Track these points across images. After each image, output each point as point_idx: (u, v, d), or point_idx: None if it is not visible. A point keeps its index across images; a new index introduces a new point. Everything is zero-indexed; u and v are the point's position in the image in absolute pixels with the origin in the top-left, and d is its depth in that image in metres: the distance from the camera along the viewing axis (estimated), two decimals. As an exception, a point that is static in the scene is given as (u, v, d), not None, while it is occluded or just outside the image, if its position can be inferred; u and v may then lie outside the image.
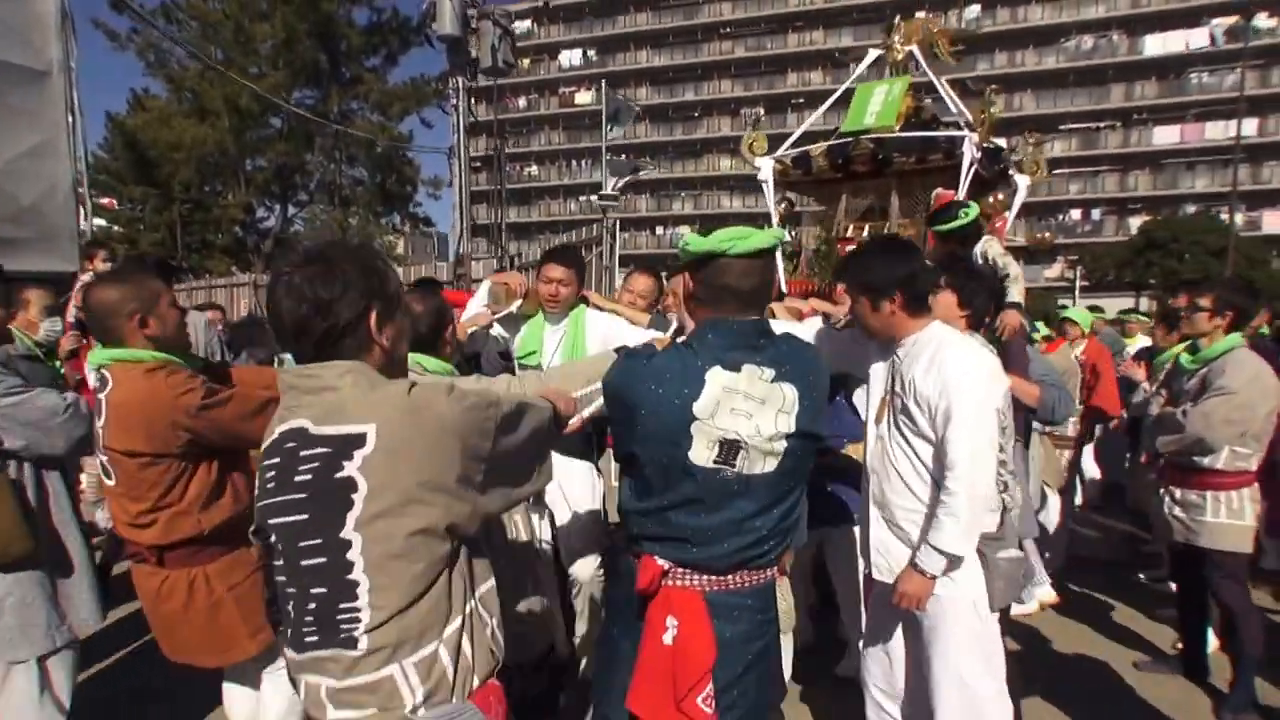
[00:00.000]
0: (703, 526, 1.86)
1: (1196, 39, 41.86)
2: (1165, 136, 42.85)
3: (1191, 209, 39.36)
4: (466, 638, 1.46)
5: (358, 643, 1.37)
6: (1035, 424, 4.25)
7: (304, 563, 1.39)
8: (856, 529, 3.00)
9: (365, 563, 1.35)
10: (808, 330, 2.79)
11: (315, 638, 1.40)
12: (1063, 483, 5.59)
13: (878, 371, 2.62)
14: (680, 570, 1.89)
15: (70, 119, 6.79)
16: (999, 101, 5.73)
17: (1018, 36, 45.42)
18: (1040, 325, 6.20)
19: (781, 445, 1.85)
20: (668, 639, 1.86)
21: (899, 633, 2.70)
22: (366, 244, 2.43)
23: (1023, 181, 6.07)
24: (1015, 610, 4.29)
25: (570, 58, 54.15)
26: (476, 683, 1.49)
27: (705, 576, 1.88)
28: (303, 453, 1.40)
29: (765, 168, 6.31)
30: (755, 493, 1.86)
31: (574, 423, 1.96)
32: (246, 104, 25.60)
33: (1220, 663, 3.95)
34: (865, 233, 5.85)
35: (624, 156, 46.54)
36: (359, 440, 1.36)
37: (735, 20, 50.59)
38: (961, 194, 5.28)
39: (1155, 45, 42.63)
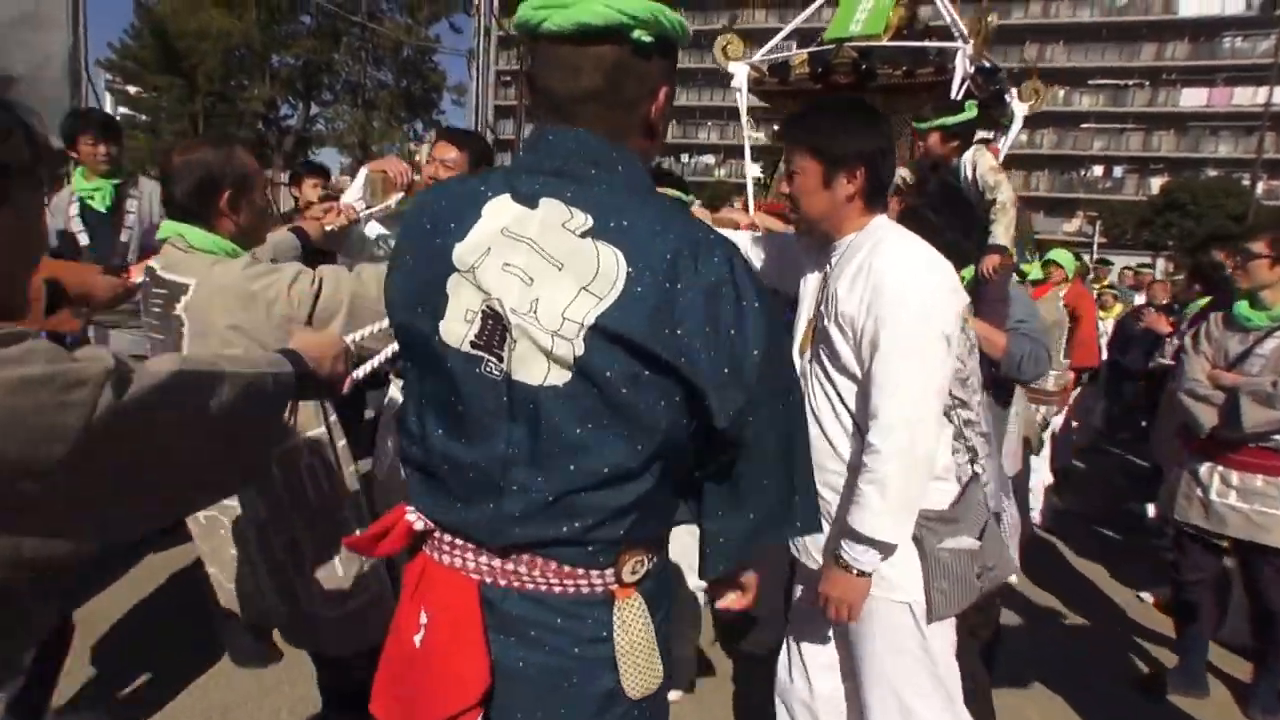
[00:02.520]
0: (460, 461, 1.14)
1: (1232, 3, 41.16)
2: (1193, 99, 42.40)
3: (1213, 173, 39.23)
4: None
5: None
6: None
7: None
8: None
9: None
10: (738, 240, 2.24)
11: None
12: (1037, 440, 5.04)
13: (808, 286, 2.02)
14: (443, 538, 1.19)
15: None
16: (993, 16, 5.26)
17: (1054, -13, 44.64)
18: (1035, 266, 5.50)
19: (572, 344, 1.05)
20: (417, 640, 1.20)
21: (826, 635, 2.11)
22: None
23: (1020, 109, 5.45)
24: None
25: None
26: None
27: (481, 556, 1.15)
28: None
29: (739, 74, 5.66)
30: (537, 418, 1.08)
31: (346, 386, 1.49)
32: None
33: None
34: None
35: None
36: None
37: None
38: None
39: (1190, 6, 41.91)
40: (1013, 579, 3.64)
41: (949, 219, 2.48)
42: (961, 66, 4.89)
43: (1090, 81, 43.79)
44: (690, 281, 1.04)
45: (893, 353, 1.72)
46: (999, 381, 3.04)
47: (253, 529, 1.96)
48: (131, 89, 28.11)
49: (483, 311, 1.10)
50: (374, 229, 2.75)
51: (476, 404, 1.11)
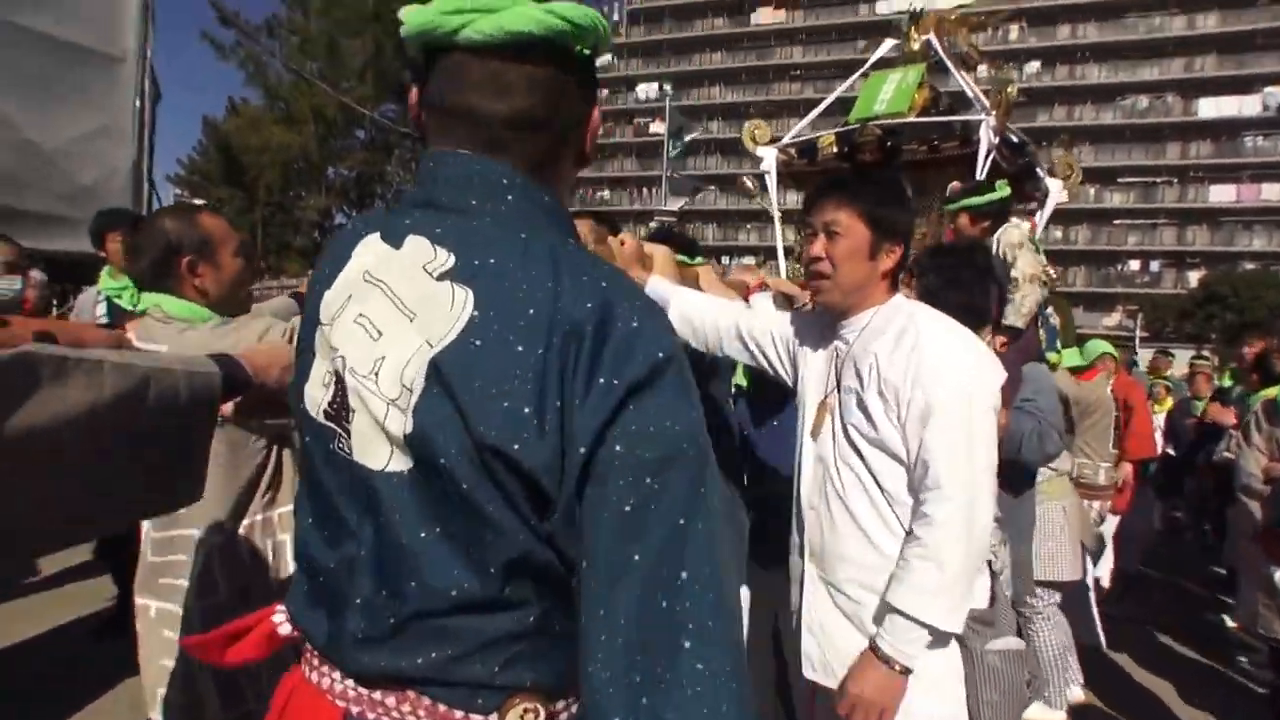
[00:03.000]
0: (316, 559, 0.93)
1: (1249, 105, 42.51)
2: (1221, 194, 43.35)
3: (1249, 266, 39.35)
4: None
5: None
6: (1047, 466, 3.30)
7: None
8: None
9: None
10: (755, 306, 2.13)
11: None
12: (1091, 539, 4.47)
13: (812, 366, 1.89)
14: (312, 654, 0.94)
15: (139, 104, 6.56)
16: (1015, 79, 5.47)
17: (1077, 92, 46.46)
18: (1075, 353, 4.93)
19: (406, 416, 0.81)
20: None
21: None
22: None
23: (1055, 186, 5.45)
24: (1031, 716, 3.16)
25: (647, 91, 56.58)
26: None
27: (349, 679, 0.88)
28: None
29: (768, 157, 5.77)
30: (379, 514, 0.85)
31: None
32: (333, 114, 27.22)
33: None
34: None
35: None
36: None
37: (805, 64, 52.68)
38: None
39: (1209, 108, 43.33)
40: (1079, 695, 3.41)
41: (944, 282, 2.35)
42: (986, 138, 4.88)
43: (1119, 180, 44.88)
44: (550, 340, 0.77)
45: (948, 423, 1.58)
46: (1012, 466, 2.74)
47: (208, 612, 1.75)
48: (197, 201, 29.63)
49: (335, 373, 0.89)
50: None
51: (333, 488, 0.90)
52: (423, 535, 0.81)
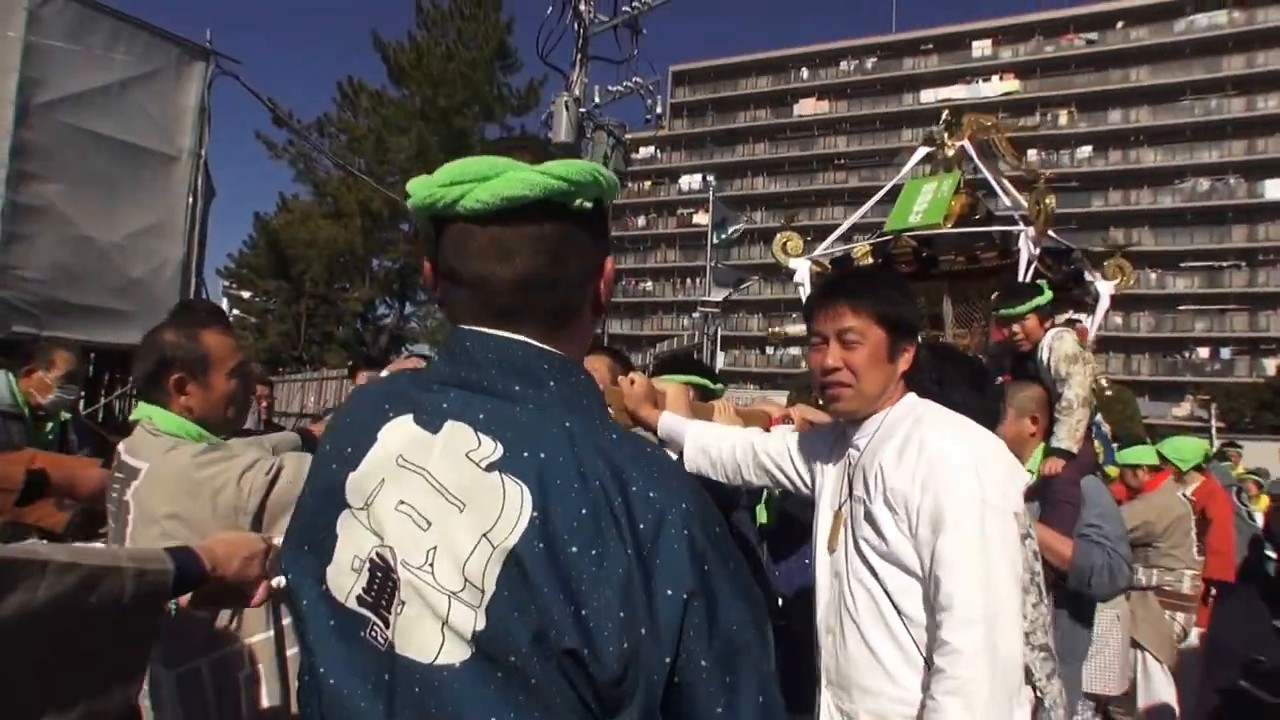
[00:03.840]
0: None
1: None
2: (1294, 278, 41.14)
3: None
4: None
5: None
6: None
7: None
8: None
9: None
10: (776, 435, 2.04)
11: None
12: (1174, 656, 4.17)
13: (826, 477, 1.81)
14: None
15: (191, 201, 6.85)
16: (1051, 197, 5.16)
17: (1133, 176, 45.22)
18: (1148, 451, 4.70)
19: (475, 613, 0.78)
20: None
21: None
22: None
23: (1105, 288, 5.35)
24: None
25: (690, 182, 56.84)
26: None
27: None
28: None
29: (801, 269, 5.67)
30: (424, 707, 0.79)
31: (260, 595, 1.31)
32: (378, 208, 27.74)
33: None
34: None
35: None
36: None
37: (849, 152, 52.56)
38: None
39: (1275, 189, 41.57)
40: None
41: (947, 376, 2.11)
42: (1026, 249, 4.80)
43: (1183, 264, 43.22)
44: (609, 547, 0.77)
45: (960, 530, 1.46)
46: (1078, 595, 2.70)
47: None
48: (245, 294, 30.27)
49: (371, 560, 0.86)
50: None
51: (357, 680, 0.84)
52: None
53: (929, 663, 1.48)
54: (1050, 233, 5.20)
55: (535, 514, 0.78)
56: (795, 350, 48.96)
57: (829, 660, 1.68)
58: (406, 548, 0.83)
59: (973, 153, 5.70)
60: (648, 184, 57.65)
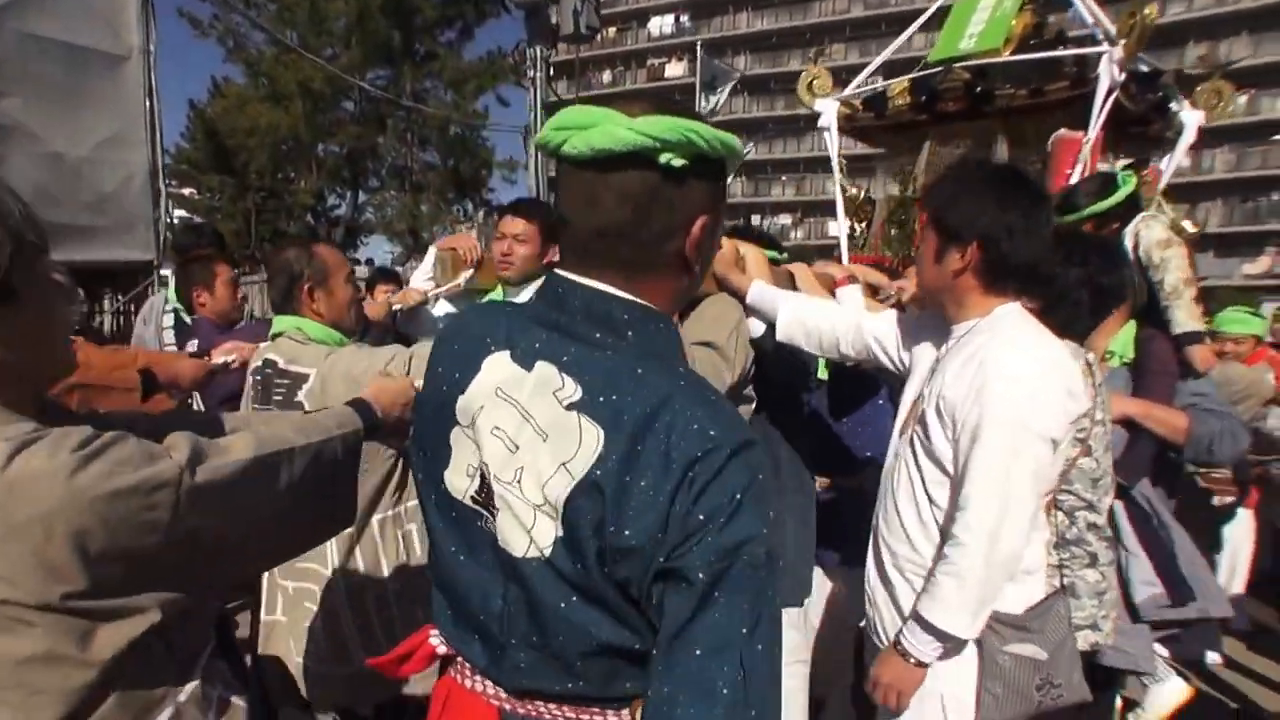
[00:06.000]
0: (468, 604, 1.09)
1: None
2: None
3: None
4: None
5: None
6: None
7: None
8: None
9: None
10: (842, 300, 2.27)
11: None
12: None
13: (919, 365, 1.97)
14: (465, 664, 1.13)
15: (149, 104, 6.89)
16: (1152, 6, 4.25)
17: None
18: (1251, 321, 4.50)
19: (555, 523, 0.96)
20: None
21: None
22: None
23: (1191, 120, 4.56)
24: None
25: (660, 25, 49.24)
26: None
27: (500, 689, 1.08)
28: None
29: (828, 111, 5.19)
30: (525, 585, 1.00)
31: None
32: (319, 86, 25.65)
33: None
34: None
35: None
36: None
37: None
38: (1092, 134, 4.15)
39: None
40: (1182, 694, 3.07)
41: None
42: (1108, 74, 4.18)
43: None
44: (663, 482, 0.89)
45: (991, 447, 1.63)
46: (1166, 468, 2.79)
47: (352, 591, 2.18)
48: (186, 191, 28.47)
49: (481, 469, 1.04)
50: (443, 307, 2.99)
51: (479, 555, 1.07)
52: (562, 605, 0.97)
53: (940, 547, 1.74)
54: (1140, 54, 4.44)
55: (605, 451, 0.92)
56: (785, 218, 45.85)
57: (878, 521, 1.96)
58: (499, 465, 1.01)
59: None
60: (612, 31, 49.50)
